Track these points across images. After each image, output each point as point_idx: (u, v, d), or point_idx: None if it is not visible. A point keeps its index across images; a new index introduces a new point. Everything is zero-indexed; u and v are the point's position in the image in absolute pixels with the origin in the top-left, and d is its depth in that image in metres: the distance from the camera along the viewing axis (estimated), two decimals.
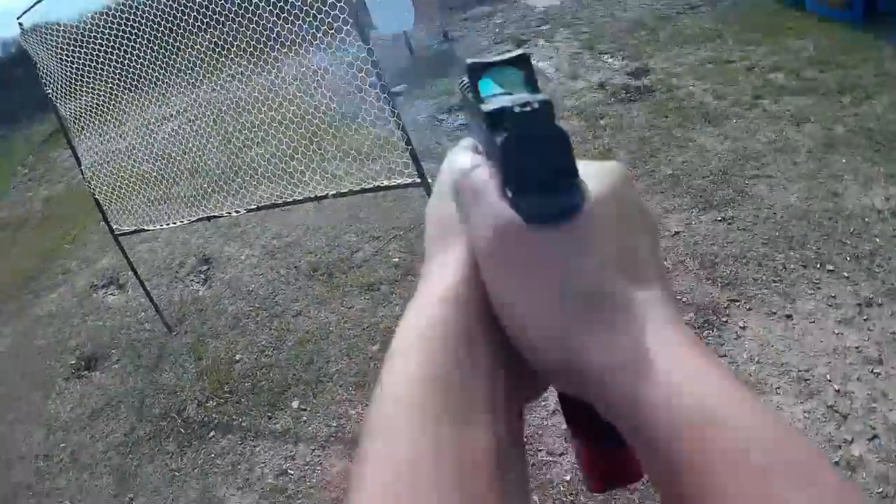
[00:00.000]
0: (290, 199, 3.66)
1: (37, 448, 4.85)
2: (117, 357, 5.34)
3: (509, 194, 0.33)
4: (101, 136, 4.76)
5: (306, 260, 5.32)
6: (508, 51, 0.41)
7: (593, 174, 0.35)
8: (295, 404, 3.79)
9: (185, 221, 4.34)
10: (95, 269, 7.15)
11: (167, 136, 4.78)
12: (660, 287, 0.33)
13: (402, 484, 0.26)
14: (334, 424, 3.55)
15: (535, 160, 0.33)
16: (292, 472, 3.34)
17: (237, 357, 4.45)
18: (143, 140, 5.00)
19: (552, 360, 0.32)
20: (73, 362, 5.67)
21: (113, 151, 4.85)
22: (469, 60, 0.39)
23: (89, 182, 4.71)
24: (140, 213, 4.76)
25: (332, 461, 3.32)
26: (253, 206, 3.87)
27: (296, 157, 3.73)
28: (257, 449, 3.59)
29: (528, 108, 0.33)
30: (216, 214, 4.11)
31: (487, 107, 0.34)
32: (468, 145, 0.40)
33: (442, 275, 0.35)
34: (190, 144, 4.36)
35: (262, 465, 3.46)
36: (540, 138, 0.33)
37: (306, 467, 3.34)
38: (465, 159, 0.38)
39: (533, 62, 0.39)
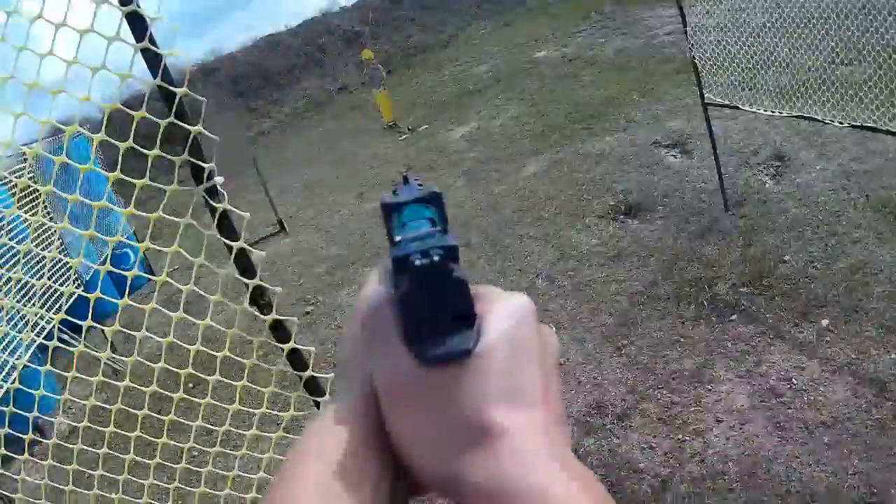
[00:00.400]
0: (884, 128, 3.37)
1: (543, 267, 5.51)
2: (663, 214, 5.67)
3: (407, 337, 0.36)
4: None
5: (878, 193, 4.86)
6: (421, 185, 0.44)
7: (495, 311, 0.37)
8: (824, 323, 3.74)
9: (779, 114, 4.36)
10: (663, 128, 7.51)
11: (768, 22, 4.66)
12: (543, 413, 0.35)
13: None
14: (853, 356, 3.43)
15: (432, 308, 0.35)
16: (795, 382, 3.38)
17: (785, 258, 4.47)
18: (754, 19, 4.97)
19: (436, 484, 0.36)
20: (613, 204, 6.15)
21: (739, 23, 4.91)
22: (382, 199, 0.42)
23: (691, 47, 4.93)
24: (732, 90, 4.89)
25: (834, 388, 3.26)
26: (848, 123, 3.67)
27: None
28: (772, 348, 3.68)
29: (427, 261, 0.34)
30: (810, 117, 4.02)
31: (393, 251, 0.36)
32: (382, 272, 0.42)
33: (344, 398, 0.40)
34: (784, 38, 4.24)
35: (770, 364, 3.57)
36: (438, 288, 0.35)
37: (810, 384, 3.34)
38: (372, 294, 0.40)
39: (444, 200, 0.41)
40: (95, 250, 6.69)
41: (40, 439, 2.52)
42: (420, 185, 0.45)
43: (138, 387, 2.05)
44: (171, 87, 1.63)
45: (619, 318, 4.44)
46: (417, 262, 0.34)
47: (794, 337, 3.73)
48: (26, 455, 2.29)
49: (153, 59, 1.60)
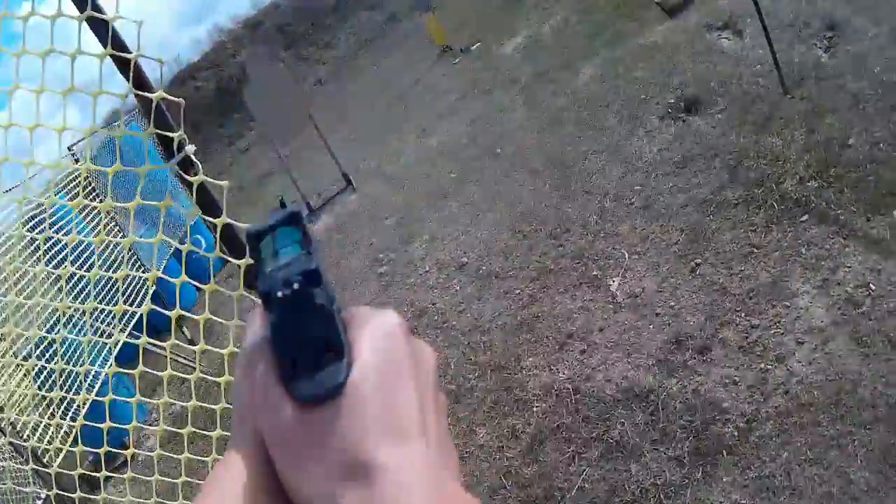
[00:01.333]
0: None
1: (609, 186, 5.37)
2: (722, 106, 5.42)
3: (282, 376, 0.35)
4: None
5: None
6: (284, 207, 0.39)
7: (363, 337, 0.37)
8: None
9: None
10: (711, 9, 7.07)
11: None
12: (421, 444, 0.35)
13: None
14: None
15: (301, 340, 0.35)
16: (873, 288, 3.20)
17: (850, 141, 4.19)
18: None
19: None
20: (672, 101, 5.91)
21: None
22: (247, 228, 0.40)
23: None
24: None
25: None
26: None
27: None
28: (846, 250, 3.49)
29: (287, 291, 0.34)
30: None
31: (259, 285, 0.36)
32: (259, 318, 0.41)
33: (240, 447, 0.39)
34: None
35: (847, 269, 3.38)
36: (302, 319, 0.35)
37: (889, 287, 3.14)
38: (250, 339, 0.40)
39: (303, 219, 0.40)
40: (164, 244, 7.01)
41: (136, 451, 2.49)
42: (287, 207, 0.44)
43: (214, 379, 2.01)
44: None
45: (690, 233, 4.35)
46: (279, 294, 0.34)
47: (867, 234, 3.55)
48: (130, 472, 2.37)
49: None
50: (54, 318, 3.68)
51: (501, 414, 3.79)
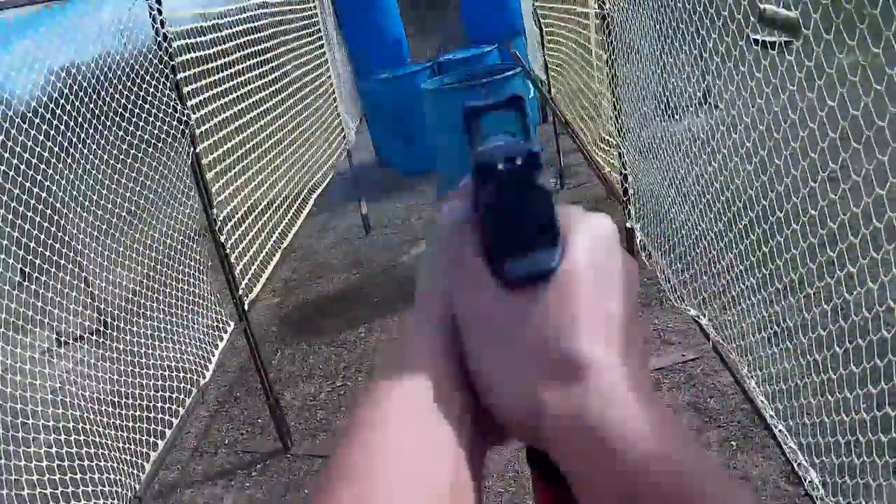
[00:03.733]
0: None
1: None
2: None
3: (488, 254, 0.34)
4: None
5: None
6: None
7: (578, 231, 0.35)
8: None
9: None
10: None
11: None
12: (627, 348, 0.34)
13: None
14: None
15: (515, 220, 0.33)
16: None
17: None
18: None
19: (514, 414, 0.34)
20: None
21: None
22: (464, 104, 0.39)
23: None
24: None
25: None
26: None
27: None
28: None
29: (511, 166, 0.33)
30: None
31: (476, 158, 0.35)
32: (462, 188, 0.40)
33: (422, 330, 0.37)
34: None
35: None
36: (522, 197, 0.33)
37: None
38: (452, 212, 0.39)
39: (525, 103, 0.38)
40: None
41: None
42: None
43: None
44: None
45: None
46: (500, 167, 0.33)
47: None
48: None
49: None
50: None
51: None
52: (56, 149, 2.41)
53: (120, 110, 2.75)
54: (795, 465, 1.95)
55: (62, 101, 2.41)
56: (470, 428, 0.34)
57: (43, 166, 2.31)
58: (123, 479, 2.33)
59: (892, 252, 1.49)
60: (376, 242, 5.98)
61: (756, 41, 2.22)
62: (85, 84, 2.54)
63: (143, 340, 2.82)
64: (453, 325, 0.36)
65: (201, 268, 3.26)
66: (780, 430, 2.07)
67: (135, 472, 2.41)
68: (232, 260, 3.12)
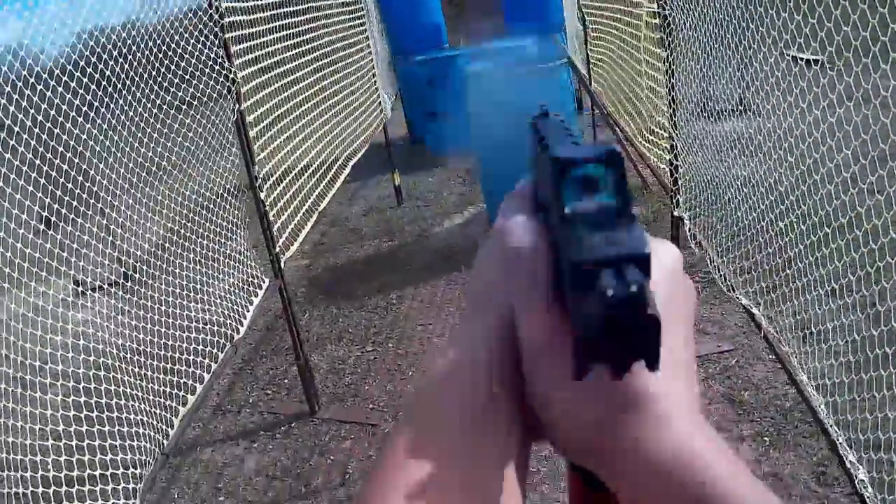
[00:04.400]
0: None
1: None
2: None
3: (555, 280, 0.33)
4: None
5: None
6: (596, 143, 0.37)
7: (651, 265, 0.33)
8: None
9: None
10: None
11: None
12: (689, 378, 0.35)
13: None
14: None
15: (613, 342, 0.29)
16: None
17: None
18: None
19: (570, 440, 0.34)
20: None
21: None
22: (555, 155, 0.34)
23: None
24: None
25: None
26: None
27: None
28: None
29: (622, 292, 0.27)
30: None
31: (571, 248, 0.30)
32: (523, 202, 0.39)
33: (477, 337, 0.37)
34: None
35: None
36: (625, 322, 0.28)
37: None
38: (523, 233, 0.37)
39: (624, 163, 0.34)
40: None
41: None
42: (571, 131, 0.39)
43: None
44: None
45: None
46: (610, 294, 0.27)
47: None
48: None
49: None
50: None
51: None
52: (92, 100, 2.42)
53: (165, 66, 2.77)
54: (847, 463, 1.92)
55: (93, 59, 2.42)
56: (518, 436, 0.35)
57: (74, 115, 2.31)
58: (151, 433, 2.33)
59: None
60: (408, 213, 6.00)
61: (795, 59, 2.29)
62: (119, 42, 2.56)
63: (170, 291, 2.82)
64: (510, 335, 0.36)
65: (238, 222, 3.27)
66: (831, 426, 2.03)
67: (163, 426, 2.41)
68: (270, 217, 3.11)
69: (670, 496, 0.31)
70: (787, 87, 2.22)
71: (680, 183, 3.45)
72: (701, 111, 3.38)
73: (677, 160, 3.41)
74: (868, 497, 1.78)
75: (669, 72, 3.32)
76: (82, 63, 2.38)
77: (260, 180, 3.03)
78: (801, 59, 2.22)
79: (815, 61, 2.08)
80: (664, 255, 0.37)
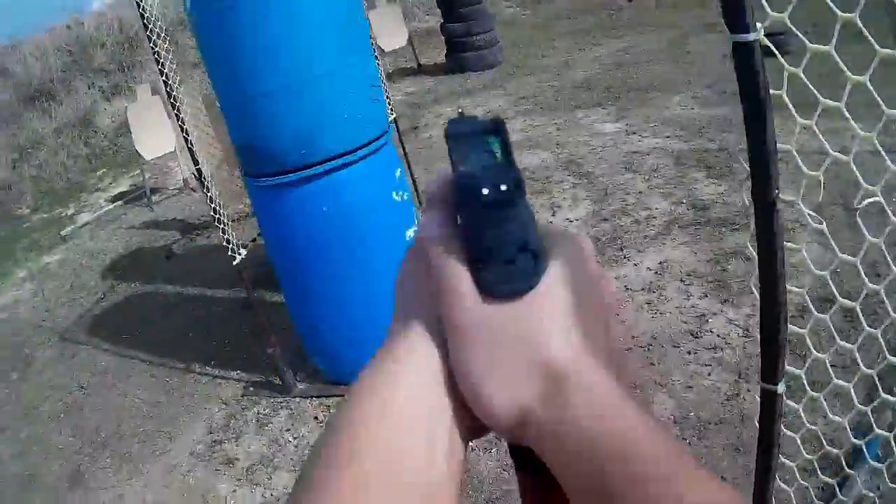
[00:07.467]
0: None
1: None
2: None
3: (473, 270, 0.35)
4: None
5: None
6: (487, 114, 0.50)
7: (556, 247, 0.37)
8: None
9: None
10: None
11: None
12: (606, 356, 0.36)
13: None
14: None
15: (498, 238, 0.34)
16: None
17: None
18: None
19: (500, 419, 0.35)
20: None
21: None
22: (447, 125, 0.39)
23: None
24: None
25: None
26: None
27: None
28: None
29: (495, 192, 0.34)
30: None
31: (461, 179, 0.36)
32: (438, 201, 0.40)
33: (407, 330, 0.38)
34: None
35: None
36: (505, 220, 0.34)
37: None
38: (434, 225, 0.39)
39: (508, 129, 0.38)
40: None
41: None
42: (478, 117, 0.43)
43: None
44: None
45: None
46: (485, 192, 0.34)
47: None
48: None
49: None
50: None
51: None
52: None
53: None
54: None
55: None
56: (451, 424, 0.36)
57: None
58: None
59: None
60: None
61: None
62: None
63: None
64: (438, 327, 0.37)
65: None
66: None
67: None
68: None
69: (595, 470, 0.32)
70: None
71: None
72: None
73: None
74: None
75: None
76: None
77: None
78: None
79: None
80: (578, 239, 0.40)
